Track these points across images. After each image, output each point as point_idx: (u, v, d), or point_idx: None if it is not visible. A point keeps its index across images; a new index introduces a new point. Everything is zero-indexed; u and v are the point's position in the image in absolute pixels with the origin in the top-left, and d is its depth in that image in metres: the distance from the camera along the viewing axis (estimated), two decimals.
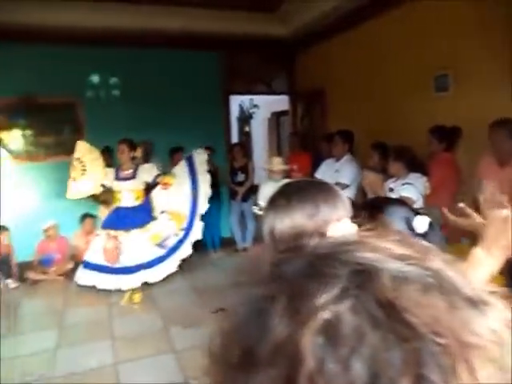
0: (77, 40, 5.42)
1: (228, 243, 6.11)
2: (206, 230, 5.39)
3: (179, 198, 4.77)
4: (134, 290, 4.43)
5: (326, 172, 4.28)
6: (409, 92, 4.36)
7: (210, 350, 0.36)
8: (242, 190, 5.93)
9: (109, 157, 5.26)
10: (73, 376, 3.07)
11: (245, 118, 9.45)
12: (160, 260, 4.57)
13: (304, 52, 6.34)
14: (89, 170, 4.55)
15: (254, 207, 4.30)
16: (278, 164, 4.31)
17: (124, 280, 4.45)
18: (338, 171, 4.17)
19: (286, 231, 0.73)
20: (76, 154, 4.64)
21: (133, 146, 4.64)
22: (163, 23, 5.49)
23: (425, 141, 3.70)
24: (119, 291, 4.44)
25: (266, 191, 3.86)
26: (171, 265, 4.66)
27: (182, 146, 5.80)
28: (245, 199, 5.95)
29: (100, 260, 4.54)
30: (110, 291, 4.48)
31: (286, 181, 3.76)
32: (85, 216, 5.47)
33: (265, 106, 8.89)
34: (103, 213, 5.36)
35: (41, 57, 5.44)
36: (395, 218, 0.95)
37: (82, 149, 4.65)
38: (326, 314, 0.28)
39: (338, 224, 0.67)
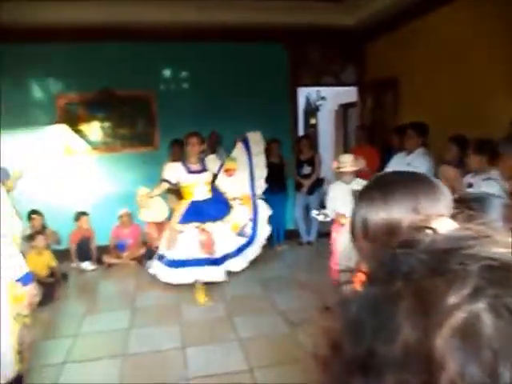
0: (150, 37, 5.65)
1: (292, 236, 6.10)
2: (271, 222, 5.42)
3: (243, 181, 4.74)
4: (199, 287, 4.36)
5: (396, 166, 4.10)
6: (491, 82, 4.06)
7: (314, 352, 0.34)
8: (308, 183, 5.88)
9: (179, 149, 5.43)
10: (143, 355, 3.24)
11: (311, 111, 9.34)
12: (242, 248, 4.57)
13: (373, 41, 6.12)
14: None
15: (314, 211, 4.05)
16: (349, 163, 3.69)
17: (209, 271, 4.36)
18: (409, 164, 3.98)
19: (381, 224, 0.70)
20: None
21: (202, 139, 4.65)
22: (230, 16, 5.54)
23: (507, 134, 3.44)
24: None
25: (336, 194, 3.73)
26: (254, 251, 4.70)
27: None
28: (310, 192, 5.90)
29: (186, 255, 4.38)
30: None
31: (360, 181, 3.47)
32: None
33: (332, 97, 8.71)
34: (174, 203, 5.57)
35: (118, 53, 5.73)
36: (492, 214, 0.88)
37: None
38: (461, 314, 0.26)
39: (440, 219, 0.62)
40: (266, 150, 5.89)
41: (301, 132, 7.33)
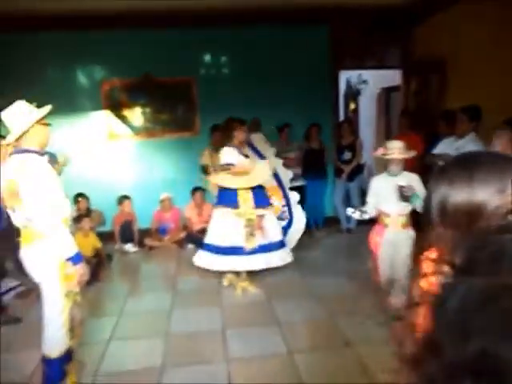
0: (191, 22, 5.66)
1: (332, 223, 6.03)
2: (310, 209, 5.37)
3: (262, 173, 4.41)
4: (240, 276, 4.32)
5: (444, 150, 3.93)
6: None
7: (401, 351, 0.31)
8: (348, 169, 5.77)
9: (220, 135, 5.44)
10: (184, 335, 3.32)
11: (352, 94, 9.10)
12: (280, 245, 4.36)
13: (421, 22, 5.86)
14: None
15: (350, 209, 3.46)
16: (397, 149, 3.17)
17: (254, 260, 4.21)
18: (458, 149, 3.78)
19: (463, 206, 0.66)
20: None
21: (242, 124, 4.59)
22: None
23: None
24: None
25: (379, 189, 3.30)
26: (293, 239, 4.69)
27: (289, 123, 5.81)
28: (351, 178, 5.79)
29: (232, 242, 4.23)
30: None
31: (408, 175, 3.23)
32: (196, 189, 5.78)
33: (374, 81, 8.45)
34: (213, 187, 5.62)
35: (160, 40, 5.78)
36: None
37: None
38: None
39: None
40: (305, 135, 5.84)
41: (341, 117, 7.18)
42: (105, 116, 5.92)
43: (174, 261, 5.11)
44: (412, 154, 3.28)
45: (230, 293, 4.16)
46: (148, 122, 6.04)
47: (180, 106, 6.03)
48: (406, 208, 3.17)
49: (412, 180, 3.13)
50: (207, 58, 6.11)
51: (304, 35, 6.03)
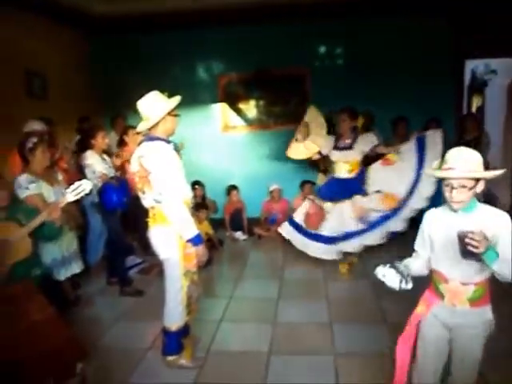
0: (305, 15, 5.64)
1: None
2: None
3: (398, 178, 4.30)
4: (342, 261, 4.45)
5: None
6: None
7: None
8: None
9: (329, 126, 5.37)
10: (291, 325, 3.35)
11: (477, 86, 8.31)
12: (358, 233, 4.35)
13: None
14: (312, 134, 4.66)
15: (379, 271, 2.01)
16: (463, 163, 1.70)
17: (320, 248, 4.46)
18: None
19: None
20: (305, 118, 4.76)
21: (354, 115, 4.47)
22: None
23: None
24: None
25: (434, 230, 1.90)
26: (371, 238, 4.39)
27: (405, 116, 5.50)
28: None
29: (300, 221, 4.71)
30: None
31: (487, 210, 1.76)
32: (305, 182, 5.79)
33: (503, 71, 7.60)
34: (322, 180, 5.58)
35: (274, 34, 5.86)
36: None
37: (312, 114, 4.76)
38: None
39: None
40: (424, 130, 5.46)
41: (465, 110, 6.60)
42: (220, 108, 6.21)
43: (282, 251, 5.19)
44: (495, 172, 1.72)
45: (337, 285, 4.12)
46: (261, 115, 6.20)
47: (293, 98, 6.08)
48: (480, 272, 1.78)
49: (493, 223, 1.72)
50: (321, 50, 6.06)
51: (424, 22, 5.64)
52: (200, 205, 5.28)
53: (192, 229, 2.55)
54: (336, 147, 4.46)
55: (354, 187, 4.42)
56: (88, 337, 3.09)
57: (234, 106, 6.20)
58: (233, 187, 6.00)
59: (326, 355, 2.90)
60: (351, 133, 4.41)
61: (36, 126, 3.92)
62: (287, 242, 4.85)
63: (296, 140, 4.73)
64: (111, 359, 2.91)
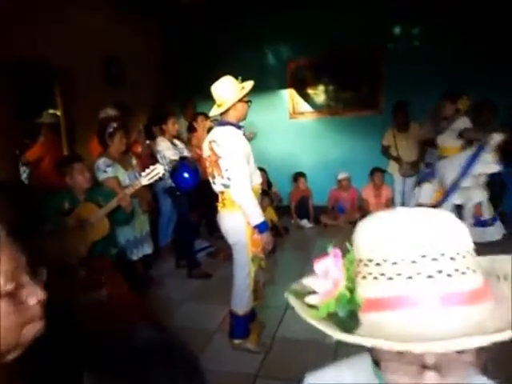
0: None
1: None
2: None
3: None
4: None
5: None
6: None
7: None
8: None
9: (403, 113, 5.11)
10: None
11: None
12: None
13: None
14: None
15: None
16: None
17: None
18: None
19: None
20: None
21: (453, 99, 4.22)
22: None
23: None
24: None
25: None
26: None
27: (489, 100, 5.04)
28: None
29: None
30: None
31: None
32: (375, 170, 5.57)
33: None
34: (393, 168, 5.35)
35: (346, 15, 5.63)
36: None
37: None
38: None
39: None
40: None
41: None
42: (289, 94, 6.12)
43: (349, 240, 5.05)
44: None
45: None
46: (330, 100, 6.03)
47: (364, 83, 5.83)
48: None
49: None
50: (396, 31, 5.72)
51: None
52: (264, 193, 5.27)
53: (258, 215, 2.53)
54: (439, 132, 4.35)
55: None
56: (157, 315, 3.21)
57: (302, 91, 6.08)
58: (300, 174, 5.92)
59: None
60: (452, 116, 4.22)
61: (111, 111, 4.10)
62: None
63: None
64: (178, 339, 3.00)
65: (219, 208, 2.71)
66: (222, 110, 2.55)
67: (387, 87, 5.67)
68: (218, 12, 5.89)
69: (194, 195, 4.18)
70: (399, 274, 0.58)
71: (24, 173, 4.47)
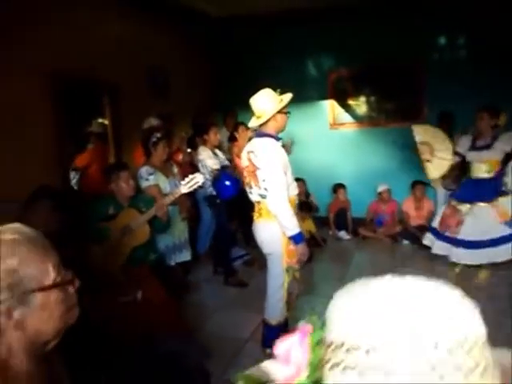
0: (417, 4, 5.25)
1: None
2: None
3: None
4: (479, 267, 4.17)
5: None
6: None
7: None
8: None
9: (447, 123, 4.98)
10: None
11: None
12: (507, 239, 4.06)
13: None
14: (438, 149, 4.43)
15: None
16: None
17: (463, 254, 4.25)
18: None
19: None
20: (418, 139, 4.61)
21: (494, 113, 4.14)
22: None
23: None
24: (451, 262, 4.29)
25: None
26: None
27: None
28: None
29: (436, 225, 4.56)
30: (438, 257, 4.42)
31: None
32: (416, 183, 5.45)
33: None
34: (435, 182, 5.20)
35: (386, 27, 5.58)
36: None
37: (421, 131, 4.59)
38: None
39: None
40: None
41: None
42: (329, 105, 6.11)
43: (388, 254, 4.96)
44: None
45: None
46: (372, 111, 5.97)
47: (406, 93, 5.74)
48: None
49: None
50: (439, 41, 5.61)
51: None
52: (303, 204, 5.27)
53: (295, 226, 2.55)
54: (473, 147, 4.28)
55: (494, 188, 4.21)
56: (192, 321, 3.28)
57: (343, 102, 6.06)
58: (340, 185, 5.88)
59: None
60: (491, 131, 4.18)
61: (154, 121, 4.26)
62: (396, 244, 4.62)
63: (428, 161, 4.55)
64: (212, 345, 3.05)
65: (255, 218, 2.75)
66: (260, 121, 2.60)
67: (429, 98, 5.56)
68: (260, 24, 5.99)
69: (233, 204, 4.25)
70: (375, 369, 0.44)
71: (73, 178, 4.71)
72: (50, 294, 0.79)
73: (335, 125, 6.16)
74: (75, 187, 4.63)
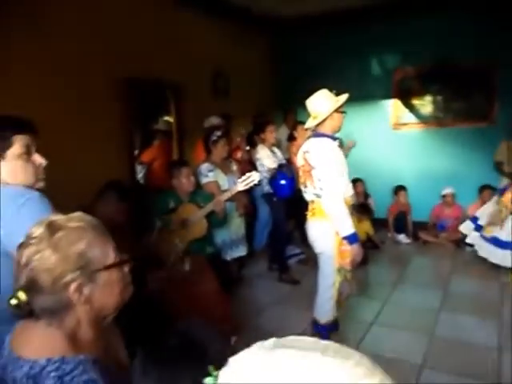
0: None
1: None
2: None
3: None
4: None
5: None
6: None
7: None
8: None
9: None
10: (451, 342, 3.06)
11: None
12: None
13: None
14: None
15: None
16: None
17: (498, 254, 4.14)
18: None
19: None
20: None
21: None
22: None
23: None
24: None
25: None
26: None
27: None
28: None
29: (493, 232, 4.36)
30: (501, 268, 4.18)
31: None
32: (484, 187, 5.17)
33: None
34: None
35: (457, 22, 5.32)
36: None
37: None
38: None
39: None
40: None
41: None
42: (393, 104, 5.95)
43: (449, 260, 4.76)
44: None
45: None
46: (438, 111, 5.73)
47: (476, 93, 5.43)
48: None
49: None
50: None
51: None
52: (361, 205, 5.20)
53: (349, 227, 2.55)
54: None
55: None
56: (244, 314, 3.38)
57: (407, 101, 5.86)
58: (401, 188, 5.70)
59: (485, 383, 2.58)
60: None
61: (214, 120, 4.40)
62: (459, 250, 4.44)
63: None
64: (262, 339, 3.12)
65: (308, 217, 2.78)
66: (316, 121, 2.63)
67: (502, 97, 5.24)
68: (322, 22, 5.96)
69: (291, 202, 4.28)
70: None
71: (140, 173, 4.99)
72: (112, 273, 0.91)
73: (398, 125, 5.98)
74: (141, 181, 4.90)
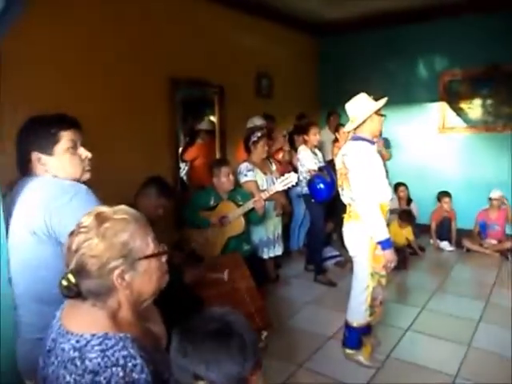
0: None
1: None
2: None
3: None
4: None
5: None
6: None
7: None
8: None
9: None
10: (489, 354, 2.98)
11: None
12: None
13: None
14: None
15: None
16: None
17: None
18: None
19: None
20: None
21: None
22: None
23: None
24: None
25: None
26: None
27: None
28: None
29: None
30: None
31: None
32: None
33: None
34: None
35: (506, 23, 5.11)
36: None
37: None
38: None
39: None
40: None
41: None
42: (439, 107, 5.80)
43: (494, 270, 4.59)
44: None
45: None
46: (488, 115, 5.52)
47: None
48: None
49: None
50: None
51: None
52: (403, 211, 5.13)
53: (383, 232, 2.54)
54: None
55: None
56: (278, 312, 3.44)
57: (454, 104, 5.69)
58: (445, 194, 5.54)
59: None
60: None
61: (257, 121, 4.49)
62: (505, 260, 4.27)
63: None
64: (295, 338, 3.18)
65: (345, 219, 2.80)
66: (354, 125, 2.65)
67: None
68: (367, 24, 5.90)
69: (330, 204, 4.29)
70: None
71: (183, 170, 5.16)
72: (151, 262, 1.01)
73: (445, 128, 5.82)
74: (185, 178, 5.07)
